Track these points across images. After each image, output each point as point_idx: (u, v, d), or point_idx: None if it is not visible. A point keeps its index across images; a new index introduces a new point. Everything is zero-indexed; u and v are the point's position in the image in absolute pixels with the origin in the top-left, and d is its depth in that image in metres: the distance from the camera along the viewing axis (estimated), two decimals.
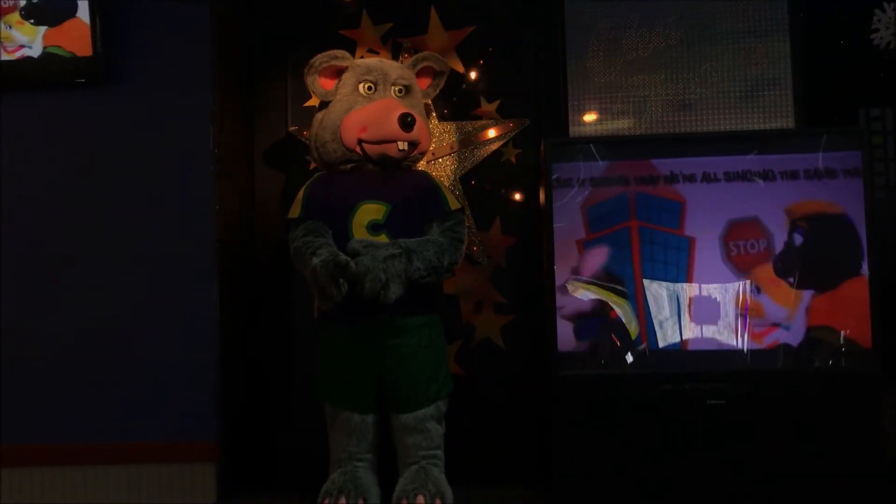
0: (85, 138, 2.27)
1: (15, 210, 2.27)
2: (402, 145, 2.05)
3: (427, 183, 2.12)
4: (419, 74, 2.22)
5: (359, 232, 2.02)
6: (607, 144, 2.14)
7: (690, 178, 2.08)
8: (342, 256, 1.91)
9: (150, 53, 2.27)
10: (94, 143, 2.27)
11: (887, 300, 2.05)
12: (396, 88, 2.13)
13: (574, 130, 2.40)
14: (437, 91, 2.27)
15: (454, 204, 2.10)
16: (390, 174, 2.10)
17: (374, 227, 2.03)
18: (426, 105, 2.30)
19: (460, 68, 2.44)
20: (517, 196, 2.43)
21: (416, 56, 2.23)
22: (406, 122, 2.01)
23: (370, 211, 2.04)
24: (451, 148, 2.42)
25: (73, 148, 2.27)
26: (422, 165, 2.30)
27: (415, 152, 2.11)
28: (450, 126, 2.43)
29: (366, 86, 2.12)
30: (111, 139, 2.27)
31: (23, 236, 2.26)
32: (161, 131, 2.26)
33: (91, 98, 2.27)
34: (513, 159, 2.43)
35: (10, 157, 2.28)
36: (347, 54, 2.17)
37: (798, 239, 2.05)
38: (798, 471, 1.98)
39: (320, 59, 2.13)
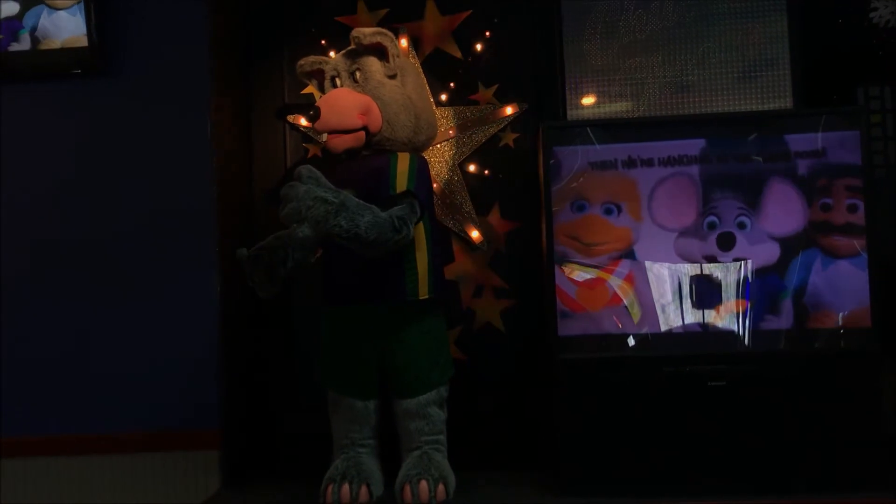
0: (81, 129, 2.27)
1: (11, 202, 2.27)
2: (323, 137, 2.04)
3: (383, 164, 2.07)
4: (379, 55, 2.11)
5: None
6: (604, 127, 2.13)
7: (685, 161, 2.07)
8: (242, 250, 1.98)
9: (146, 43, 2.26)
10: (90, 134, 2.27)
11: (887, 279, 2.05)
12: (350, 75, 2.11)
13: (572, 114, 2.39)
14: (395, 60, 2.09)
15: (401, 187, 2.02)
16: (361, 161, 2.10)
17: None
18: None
19: (457, 53, 2.43)
20: (516, 180, 2.43)
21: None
22: (308, 115, 2.03)
23: None
24: (449, 134, 2.41)
25: (70, 139, 2.27)
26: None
27: (373, 138, 2.07)
28: (447, 112, 2.42)
29: (331, 81, 2.13)
30: (108, 130, 2.27)
31: (20, 228, 2.26)
32: (158, 121, 2.26)
33: (86, 89, 2.27)
34: (511, 144, 2.42)
35: (4, 148, 2.27)
36: (322, 58, 2.18)
37: None
38: (798, 448, 1.99)
39: (298, 67, 2.19)
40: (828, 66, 2.36)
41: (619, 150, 2.09)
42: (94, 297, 2.25)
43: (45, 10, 2.19)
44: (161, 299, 2.24)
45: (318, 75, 2.21)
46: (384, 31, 2.09)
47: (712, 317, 2.05)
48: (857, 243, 2.00)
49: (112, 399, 2.23)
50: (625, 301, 2.07)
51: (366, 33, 2.06)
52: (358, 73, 2.10)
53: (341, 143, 2.05)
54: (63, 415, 2.23)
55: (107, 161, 2.27)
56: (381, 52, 2.10)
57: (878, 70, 2.35)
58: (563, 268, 2.08)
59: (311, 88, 2.37)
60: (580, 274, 2.08)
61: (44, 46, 2.22)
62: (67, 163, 2.27)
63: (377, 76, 2.10)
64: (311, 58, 2.20)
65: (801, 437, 1.99)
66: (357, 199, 1.91)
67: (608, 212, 2.08)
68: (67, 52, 2.23)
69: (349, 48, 2.14)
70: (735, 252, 2.04)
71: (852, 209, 2.01)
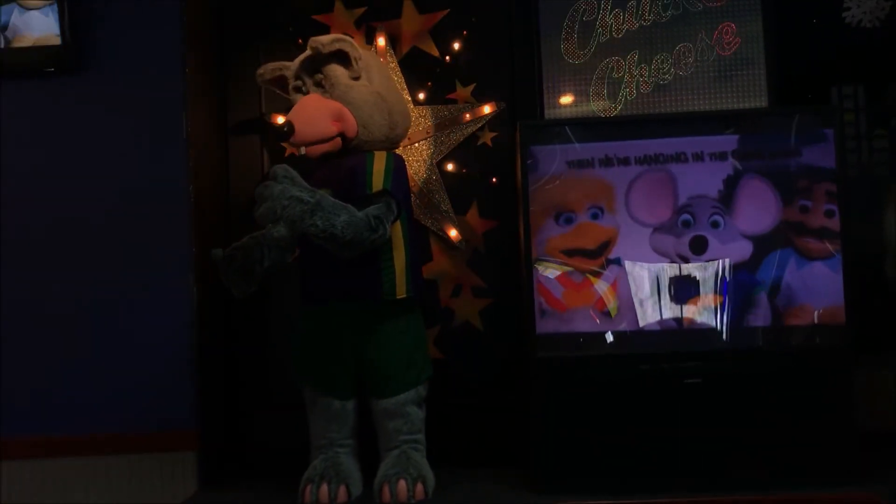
0: (53, 128, 2.24)
1: None
2: (302, 149, 2.05)
3: (359, 163, 2.06)
4: (341, 60, 2.09)
5: None
6: (582, 126, 2.14)
7: (661, 159, 2.09)
8: (218, 251, 1.97)
9: (120, 40, 2.24)
10: (63, 133, 2.24)
11: (860, 277, 2.07)
12: (316, 84, 2.10)
13: (549, 113, 2.40)
14: (358, 63, 2.08)
15: (377, 186, 2.01)
16: (337, 159, 2.09)
17: None
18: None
19: (435, 52, 2.43)
20: (494, 179, 2.43)
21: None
22: (281, 132, 2.01)
23: None
24: (427, 133, 2.41)
25: (42, 138, 2.24)
26: (398, 150, 2.27)
27: (350, 143, 2.07)
28: (425, 110, 2.42)
29: (296, 91, 2.12)
30: (81, 129, 2.24)
31: None
32: (133, 118, 2.24)
33: (60, 87, 2.24)
34: (488, 142, 2.43)
35: None
36: (282, 64, 2.17)
37: None
38: (773, 444, 2.00)
39: (258, 77, 2.19)
40: (802, 66, 2.38)
41: (596, 149, 2.10)
42: (67, 297, 2.22)
43: (17, 10, 2.17)
44: (136, 299, 2.22)
45: (280, 82, 2.19)
46: (341, 36, 2.08)
47: (689, 314, 2.06)
48: (831, 244, 2.03)
49: (86, 401, 2.20)
50: (603, 297, 2.08)
51: (324, 42, 2.05)
52: (324, 80, 2.09)
53: (318, 150, 2.05)
54: (37, 417, 2.20)
55: (80, 160, 2.24)
56: (342, 58, 2.08)
57: (851, 69, 2.38)
58: (536, 266, 2.08)
59: None
60: (552, 271, 2.08)
61: (15, 44, 2.19)
62: (40, 161, 2.24)
63: (343, 80, 2.08)
64: (271, 65, 2.18)
65: (777, 434, 2.00)
66: (333, 199, 1.91)
67: (594, 216, 2.09)
68: (40, 50, 2.20)
69: (307, 55, 2.10)
70: (707, 255, 2.05)
71: (829, 214, 2.03)
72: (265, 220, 1.88)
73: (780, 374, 2.02)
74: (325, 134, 2.03)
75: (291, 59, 2.16)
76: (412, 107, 2.39)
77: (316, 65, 2.09)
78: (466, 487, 2.13)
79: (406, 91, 2.39)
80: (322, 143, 2.04)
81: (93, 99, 2.25)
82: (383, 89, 2.14)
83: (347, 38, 2.09)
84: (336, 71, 2.08)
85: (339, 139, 2.05)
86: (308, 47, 2.06)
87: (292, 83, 2.13)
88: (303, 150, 2.06)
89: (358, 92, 2.08)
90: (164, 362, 2.20)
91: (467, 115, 2.41)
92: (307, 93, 2.10)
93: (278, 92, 2.23)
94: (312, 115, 2.02)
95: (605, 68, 2.40)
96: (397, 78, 2.39)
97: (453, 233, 2.41)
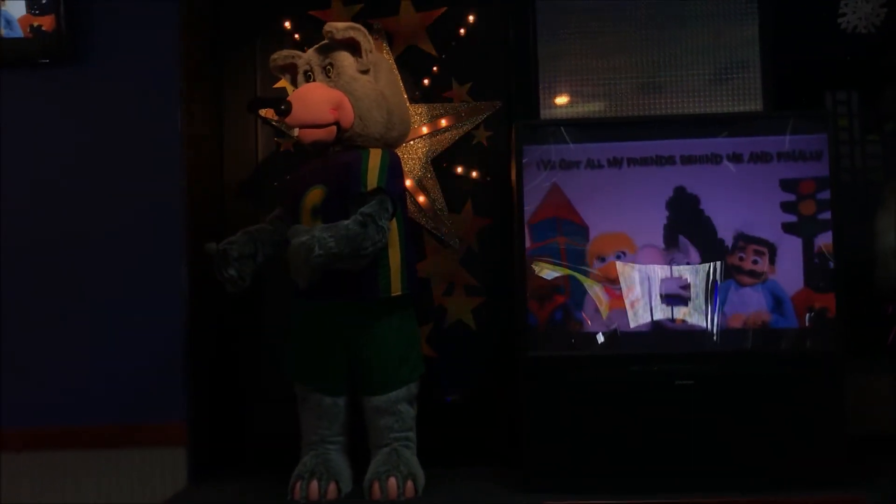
0: (48, 118, 2.23)
1: None
2: (295, 132, 2.08)
3: (354, 160, 2.05)
4: (352, 49, 2.11)
5: (305, 218, 2.03)
6: (578, 127, 2.14)
7: (658, 161, 2.09)
8: (212, 245, 1.99)
9: (117, 32, 2.23)
10: (57, 124, 2.23)
11: (852, 281, 2.08)
12: (323, 70, 2.11)
13: (545, 113, 2.41)
14: (368, 56, 2.10)
15: (371, 184, 2.01)
16: (332, 156, 2.10)
17: (314, 213, 2.02)
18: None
19: (432, 50, 2.43)
20: (489, 178, 2.43)
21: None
22: (279, 109, 2.03)
23: (314, 196, 2.03)
24: (422, 130, 2.41)
25: (36, 128, 2.23)
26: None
27: (344, 134, 2.07)
28: (421, 108, 2.42)
29: (304, 76, 2.13)
30: (75, 119, 2.23)
31: None
32: (128, 111, 2.23)
33: (55, 78, 2.23)
34: (484, 141, 2.43)
35: None
36: (295, 52, 2.19)
37: None
38: (763, 447, 2.01)
39: (271, 61, 2.20)
40: (797, 71, 2.40)
41: (591, 150, 2.10)
42: (58, 286, 2.21)
43: None
44: (128, 289, 2.21)
45: (291, 69, 2.20)
46: (357, 25, 2.09)
47: (680, 315, 2.07)
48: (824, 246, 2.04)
49: (77, 393, 2.19)
50: (594, 300, 2.08)
51: (339, 28, 2.06)
52: (331, 68, 2.09)
53: (311, 135, 2.04)
54: (27, 408, 2.19)
55: (74, 151, 2.23)
56: (354, 47, 2.10)
57: (845, 75, 2.39)
58: (532, 265, 2.08)
59: (283, 82, 2.35)
60: (549, 273, 2.09)
61: None
62: (34, 152, 2.23)
63: (350, 71, 2.09)
64: (285, 52, 2.20)
65: (767, 437, 2.01)
66: (325, 225, 1.92)
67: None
68: (35, 41, 2.19)
69: (322, 42, 2.13)
70: (692, 256, 2.06)
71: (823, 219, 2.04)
72: (298, 280, 1.92)
73: (771, 378, 2.02)
74: (321, 119, 2.03)
75: None
76: (409, 105, 2.39)
77: (326, 50, 2.11)
78: (456, 486, 2.12)
79: (402, 88, 2.38)
80: (316, 129, 2.04)
81: (87, 90, 2.24)
82: (387, 90, 2.15)
83: (362, 28, 2.10)
84: (345, 60, 2.09)
85: (333, 128, 2.05)
86: (323, 32, 2.08)
87: (301, 72, 2.15)
88: (296, 133, 2.07)
89: (361, 85, 2.09)
90: (155, 354, 2.19)
91: (463, 114, 2.42)
92: (314, 80, 2.11)
93: (285, 81, 2.25)
94: (312, 99, 2.03)
95: (602, 70, 2.41)
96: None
97: (447, 231, 2.41)
